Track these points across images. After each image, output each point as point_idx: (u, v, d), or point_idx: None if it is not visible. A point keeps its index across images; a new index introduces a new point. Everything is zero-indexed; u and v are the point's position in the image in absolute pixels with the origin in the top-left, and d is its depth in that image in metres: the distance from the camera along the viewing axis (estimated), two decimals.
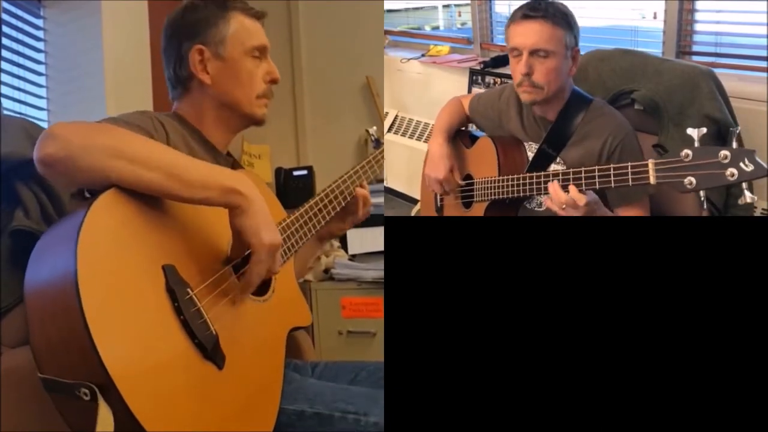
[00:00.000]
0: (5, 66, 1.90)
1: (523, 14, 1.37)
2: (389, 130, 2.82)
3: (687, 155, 1.05)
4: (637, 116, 1.55)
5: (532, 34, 1.35)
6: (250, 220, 0.93)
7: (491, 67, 2.43)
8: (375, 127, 1.52)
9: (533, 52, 1.35)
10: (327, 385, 1.18)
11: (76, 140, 0.83)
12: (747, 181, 1.01)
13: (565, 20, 1.37)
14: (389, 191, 2.64)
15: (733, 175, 1.00)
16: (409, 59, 2.74)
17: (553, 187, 1.24)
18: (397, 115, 2.85)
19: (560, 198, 1.23)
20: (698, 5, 1.93)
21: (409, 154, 2.65)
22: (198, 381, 0.86)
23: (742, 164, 1.00)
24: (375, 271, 2.09)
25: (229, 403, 0.90)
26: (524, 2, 1.40)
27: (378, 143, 1.51)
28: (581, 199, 1.21)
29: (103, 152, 0.84)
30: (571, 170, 1.24)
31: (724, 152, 1.01)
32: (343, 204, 1.32)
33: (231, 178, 0.93)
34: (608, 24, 2.19)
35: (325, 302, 2.13)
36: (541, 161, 1.44)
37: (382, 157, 1.48)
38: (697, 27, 1.95)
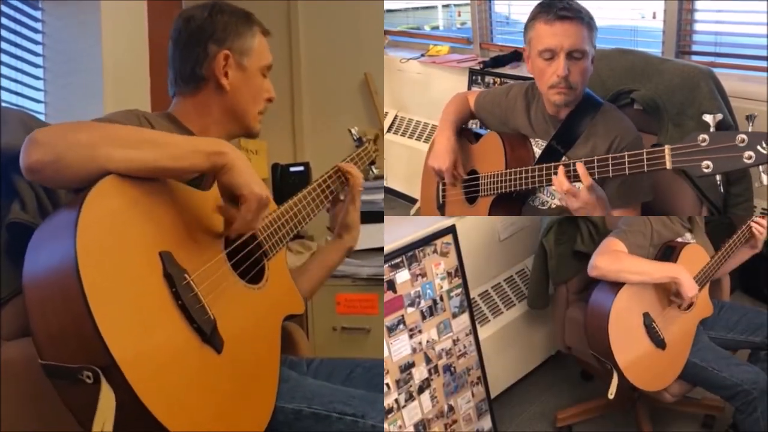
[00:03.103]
0: (3, 58, 1.89)
1: (558, 15, 1.31)
2: (389, 130, 2.81)
3: (704, 139, 1.04)
4: (636, 116, 1.54)
5: (569, 35, 1.32)
6: (238, 175, 0.94)
7: (491, 67, 2.43)
8: (356, 127, 1.51)
9: (570, 54, 1.32)
10: (325, 385, 1.18)
11: (59, 141, 0.84)
12: (764, 164, 1.00)
13: (593, 22, 1.35)
14: (389, 191, 2.63)
15: (750, 157, 0.99)
16: (408, 59, 2.74)
17: (560, 174, 1.23)
18: (396, 115, 2.84)
19: (563, 186, 1.23)
20: (698, 5, 1.93)
21: (408, 154, 2.65)
22: (197, 364, 0.86)
23: (759, 147, 0.99)
24: (370, 267, 2.08)
25: (227, 387, 0.91)
26: (537, 2, 1.36)
27: (360, 142, 1.50)
28: (587, 180, 1.20)
29: (88, 145, 0.85)
30: (583, 159, 1.22)
31: (741, 136, 1.00)
32: (334, 193, 1.34)
33: (212, 143, 0.95)
34: (608, 24, 2.18)
35: (319, 298, 2.12)
36: (549, 157, 1.43)
37: (375, 151, 1.48)
38: (697, 27, 1.95)
